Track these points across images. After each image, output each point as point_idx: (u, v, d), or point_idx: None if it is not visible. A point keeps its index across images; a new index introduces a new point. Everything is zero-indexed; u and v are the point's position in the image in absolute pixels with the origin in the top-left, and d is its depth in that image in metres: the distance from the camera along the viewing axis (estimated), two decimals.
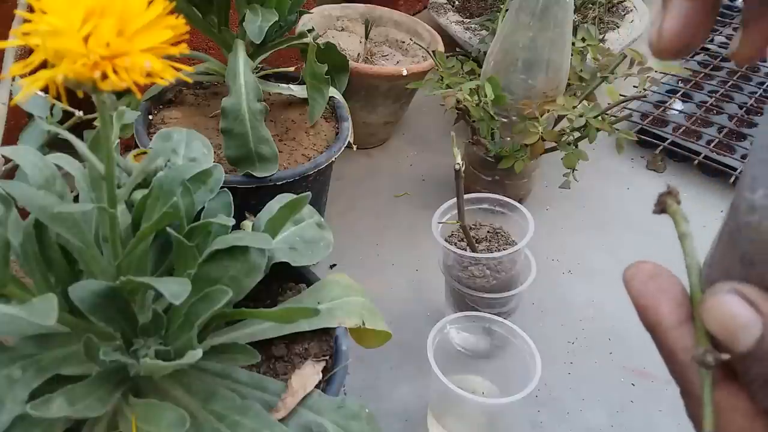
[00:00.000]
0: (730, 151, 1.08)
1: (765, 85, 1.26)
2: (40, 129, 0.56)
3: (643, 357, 0.77)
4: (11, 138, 0.54)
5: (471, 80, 0.87)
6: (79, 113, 0.56)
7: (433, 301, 0.82)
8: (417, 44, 1.05)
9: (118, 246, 0.42)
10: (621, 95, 0.87)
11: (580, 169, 0.85)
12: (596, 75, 0.87)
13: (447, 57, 0.91)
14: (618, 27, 1.24)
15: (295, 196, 0.53)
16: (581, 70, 0.89)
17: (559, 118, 0.86)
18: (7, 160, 0.52)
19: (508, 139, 0.88)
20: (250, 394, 0.47)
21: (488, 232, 0.78)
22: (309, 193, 0.53)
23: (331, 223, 0.60)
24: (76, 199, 0.47)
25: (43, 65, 0.30)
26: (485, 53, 0.89)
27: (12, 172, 0.50)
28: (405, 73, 0.94)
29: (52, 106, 0.57)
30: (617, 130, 0.82)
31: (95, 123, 0.52)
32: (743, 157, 1.06)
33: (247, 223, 0.57)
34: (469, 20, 1.21)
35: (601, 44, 0.93)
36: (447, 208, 0.74)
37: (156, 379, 0.45)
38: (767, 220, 0.20)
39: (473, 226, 0.78)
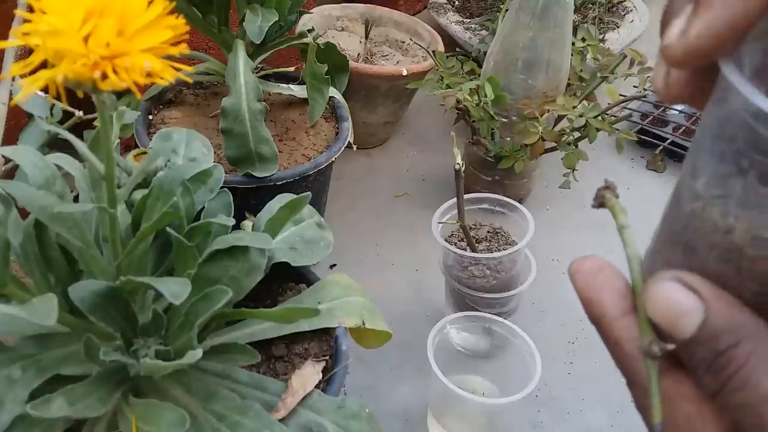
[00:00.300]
0: None
1: None
2: (40, 129, 0.56)
3: None
4: (11, 138, 0.54)
5: (471, 80, 0.86)
6: (79, 113, 0.56)
7: (433, 301, 0.82)
8: (417, 44, 1.05)
9: (118, 246, 0.42)
10: (621, 95, 0.86)
11: (580, 169, 0.84)
12: (596, 75, 0.87)
13: (447, 57, 0.91)
14: (618, 27, 1.24)
15: (295, 196, 0.53)
16: (581, 70, 0.89)
17: (559, 118, 0.86)
18: (7, 160, 0.52)
19: (508, 139, 0.88)
20: (250, 394, 0.47)
21: (488, 232, 0.78)
22: (309, 193, 0.53)
23: (331, 223, 0.59)
24: (76, 199, 0.47)
25: (43, 65, 0.30)
26: (485, 53, 0.89)
27: (12, 172, 0.50)
28: (405, 73, 0.94)
29: (52, 106, 0.57)
30: (617, 130, 0.82)
31: (95, 123, 0.52)
32: None
33: (247, 223, 0.57)
34: (469, 20, 1.21)
35: (601, 44, 0.93)
36: (447, 208, 0.74)
37: (156, 379, 0.46)
38: (710, 206, 0.20)
39: (473, 226, 0.78)
